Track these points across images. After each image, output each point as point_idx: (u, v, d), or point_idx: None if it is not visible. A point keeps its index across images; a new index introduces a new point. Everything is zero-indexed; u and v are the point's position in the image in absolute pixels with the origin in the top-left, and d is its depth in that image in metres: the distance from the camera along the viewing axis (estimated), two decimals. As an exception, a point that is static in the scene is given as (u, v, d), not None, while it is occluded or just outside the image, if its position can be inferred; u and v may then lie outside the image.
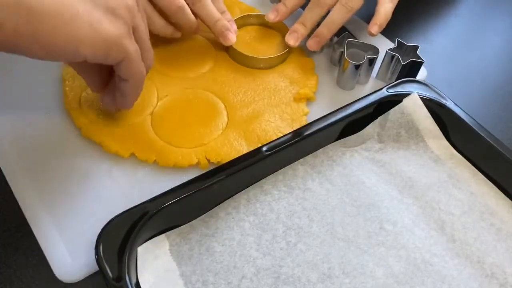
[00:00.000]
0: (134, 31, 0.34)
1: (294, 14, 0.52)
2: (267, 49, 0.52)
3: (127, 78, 0.35)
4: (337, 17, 0.48)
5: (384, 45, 0.50)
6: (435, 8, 0.66)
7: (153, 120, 0.43)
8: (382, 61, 0.49)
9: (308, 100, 0.47)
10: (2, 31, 0.27)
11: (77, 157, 0.41)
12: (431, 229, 0.38)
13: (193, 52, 0.51)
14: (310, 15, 0.49)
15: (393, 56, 0.48)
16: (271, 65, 0.50)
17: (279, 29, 0.53)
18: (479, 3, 0.68)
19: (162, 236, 0.35)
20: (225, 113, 0.45)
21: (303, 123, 0.44)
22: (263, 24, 0.54)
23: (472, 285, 0.34)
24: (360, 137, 0.43)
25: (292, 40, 0.49)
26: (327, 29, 0.49)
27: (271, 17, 0.51)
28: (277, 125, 0.44)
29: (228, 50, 0.51)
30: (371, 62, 0.48)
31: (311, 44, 0.49)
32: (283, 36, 0.53)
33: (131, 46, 0.33)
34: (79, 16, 0.29)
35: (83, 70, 0.38)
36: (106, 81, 0.39)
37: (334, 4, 0.48)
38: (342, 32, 0.52)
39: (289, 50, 0.51)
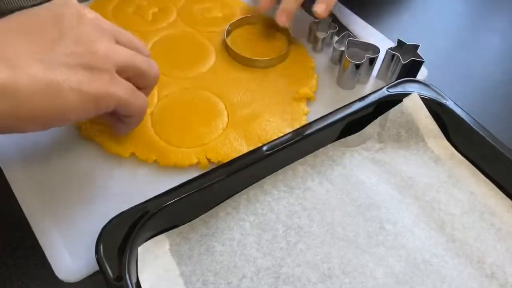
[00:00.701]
0: (120, 70, 0.33)
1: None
2: (268, 48, 0.52)
3: (129, 115, 0.36)
4: None
5: (385, 44, 0.50)
6: (435, 7, 0.66)
7: (153, 120, 0.43)
8: (383, 60, 0.49)
9: (308, 100, 0.47)
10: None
11: (77, 157, 0.41)
12: (431, 229, 0.38)
13: (193, 52, 0.51)
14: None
15: (393, 55, 0.48)
16: (271, 64, 0.50)
17: (279, 28, 0.53)
18: (479, 3, 0.68)
19: (162, 235, 0.35)
20: (225, 113, 0.45)
21: (303, 122, 0.44)
22: (263, 24, 0.54)
23: (472, 285, 0.34)
24: (360, 137, 0.43)
25: (283, 19, 0.49)
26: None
27: (283, 19, 0.49)
28: (277, 125, 0.44)
29: (228, 50, 0.51)
30: (372, 61, 0.48)
31: (281, 19, 0.48)
32: (284, 35, 0.53)
33: (119, 90, 0.33)
34: (60, 87, 0.29)
35: None
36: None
37: None
38: (343, 31, 0.52)
39: (289, 49, 0.51)
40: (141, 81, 0.36)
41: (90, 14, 0.33)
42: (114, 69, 0.32)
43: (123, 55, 0.33)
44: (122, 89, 0.33)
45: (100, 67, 0.31)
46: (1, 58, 0.28)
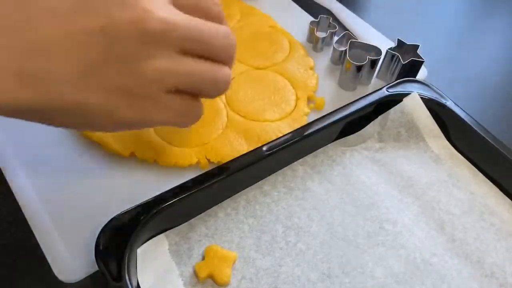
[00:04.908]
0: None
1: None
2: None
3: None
4: None
5: (385, 44, 0.50)
6: (435, 8, 0.66)
7: (153, 120, 0.43)
8: (383, 60, 0.49)
9: (309, 100, 0.47)
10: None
11: (77, 157, 0.41)
12: (431, 229, 0.38)
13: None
14: None
15: (393, 56, 0.48)
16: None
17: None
18: (479, 3, 0.68)
19: (162, 235, 0.35)
20: (225, 112, 0.45)
21: (304, 123, 0.44)
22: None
23: (471, 285, 0.34)
24: (360, 137, 0.43)
25: None
26: None
27: None
28: (277, 125, 0.44)
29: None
30: (373, 63, 0.48)
31: None
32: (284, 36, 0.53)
33: (163, 115, 0.28)
34: (89, 110, 0.26)
35: None
36: None
37: None
38: (342, 31, 0.52)
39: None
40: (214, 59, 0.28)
41: (154, 22, 0.25)
42: (163, 91, 0.27)
43: (179, 74, 0.27)
44: (167, 114, 0.28)
45: (144, 93, 0.26)
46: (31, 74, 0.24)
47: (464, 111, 0.42)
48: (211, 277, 0.33)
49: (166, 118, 0.28)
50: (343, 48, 0.50)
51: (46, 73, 0.24)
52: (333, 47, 0.51)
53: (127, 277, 0.30)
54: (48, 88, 0.24)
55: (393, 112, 0.43)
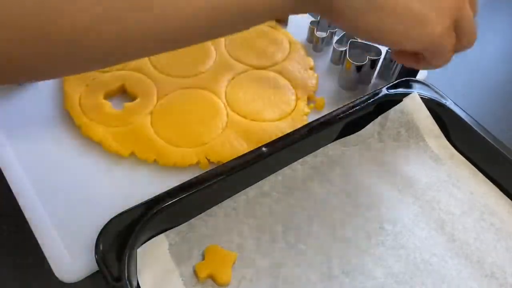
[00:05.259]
0: (457, 23, 0.35)
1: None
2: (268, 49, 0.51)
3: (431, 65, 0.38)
4: None
5: (384, 45, 0.50)
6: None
7: (153, 120, 0.43)
8: (383, 60, 0.49)
9: (309, 100, 0.47)
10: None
11: (77, 157, 0.41)
12: (431, 229, 0.38)
13: (193, 52, 0.51)
14: None
15: (393, 56, 0.48)
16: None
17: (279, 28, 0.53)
18: (479, 3, 0.68)
19: (162, 235, 0.35)
20: (225, 112, 0.45)
21: (304, 122, 0.44)
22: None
23: (471, 285, 0.34)
24: (360, 136, 0.43)
25: None
26: None
27: None
28: (277, 125, 0.44)
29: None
30: (373, 63, 0.48)
31: None
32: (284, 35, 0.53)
33: (448, 41, 0.35)
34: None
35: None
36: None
37: None
38: (342, 31, 0.52)
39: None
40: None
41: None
42: (455, 20, 0.34)
43: (469, 12, 0.36)
44: (449, 40, 0.35)
45: (448, 12, 0.34)
46: None
47: (464, 111, 0.42)
48: (211, 277, 0.33)
49: (449, 42, 0.35)
50: (343, 48, 0.50)
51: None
52: (333, 47, 0.51)
53: (127, 277, 0.30)
54: None
55: (393, 112, 0.43)
